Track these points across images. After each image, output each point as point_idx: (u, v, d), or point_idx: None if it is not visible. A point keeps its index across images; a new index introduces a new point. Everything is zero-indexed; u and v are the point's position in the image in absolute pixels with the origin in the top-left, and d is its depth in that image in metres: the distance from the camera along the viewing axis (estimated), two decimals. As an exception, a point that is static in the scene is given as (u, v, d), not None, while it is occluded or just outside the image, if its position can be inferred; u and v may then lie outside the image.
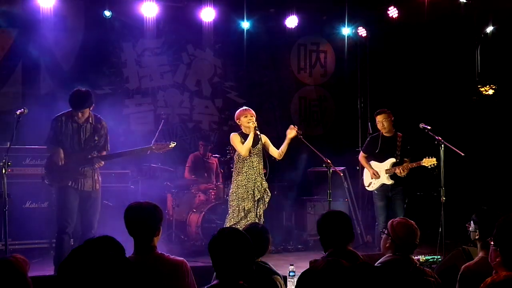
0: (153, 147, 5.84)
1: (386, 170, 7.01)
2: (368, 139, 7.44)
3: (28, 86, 8.47)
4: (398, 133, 7.13)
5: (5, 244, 5.60)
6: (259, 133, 6.26)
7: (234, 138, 6.32)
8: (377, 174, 7.05)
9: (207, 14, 8.88)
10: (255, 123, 6.25)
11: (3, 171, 5.31)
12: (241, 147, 6.22)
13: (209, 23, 9.01)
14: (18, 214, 6.53)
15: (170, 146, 5.87)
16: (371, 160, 7.17)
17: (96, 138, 5.74)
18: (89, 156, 5.68)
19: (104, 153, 5.87)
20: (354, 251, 3.36)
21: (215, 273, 3.35)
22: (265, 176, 6.38)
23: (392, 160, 7.01)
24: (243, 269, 2.72)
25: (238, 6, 9.24)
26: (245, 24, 9.50)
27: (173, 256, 3.35)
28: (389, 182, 7.00)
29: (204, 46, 9.71)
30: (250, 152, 6.23)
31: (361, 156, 7.29)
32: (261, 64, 10.20)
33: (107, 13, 8.57)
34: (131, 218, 3.32)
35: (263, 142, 6.38)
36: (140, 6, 8.56)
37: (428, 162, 6.77)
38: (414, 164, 6.91)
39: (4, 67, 8.36)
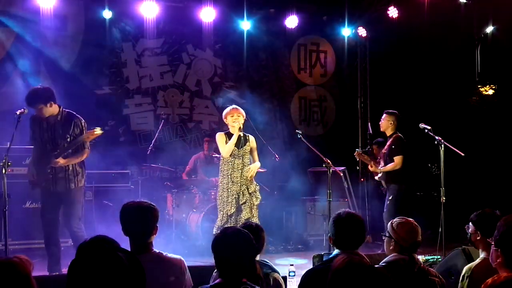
0: (84, 136, 5.52)
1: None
2: None
3: (28, 86, 8.46)
4: (396, 134, 7.20)
5: (5, 244, 5.58)
6: (241, 134, 6.10)
7: (219, 138, 6.17)
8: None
9: (207, 14, 8.88)
10: (241, 124, 6.07)
11: (3, 171, 5.29)
12: (223, 147, 6.08)
13: (209, 23, 9.01)
14: (18, 214, 6.53)
15: (95, 132, 5.46)
16: None
17: (66, 136, 5.54)
18: (53, 154, 5.51)
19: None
20: (361, 254, 3.34)
21: (214, 273, 3.36)
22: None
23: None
24: (246, 268, 2.74)
25: (238, 6, 9.24)
26: (245, 24, 9.50)
27: (170, 254, 3.35)
28: (376, 177, 7.30)
29: (204, 46, 9.71)
30: (233, 154, 6.07)
31: None
32: (261, 64, 10.20)
33: (107, 15, 8.58)
34: (127, 218, 3.31)
35: (250, 145, 6.21)
36: (140, 6, 8.55)
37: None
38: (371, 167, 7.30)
39: (4, 67, 8.36)
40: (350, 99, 10.72)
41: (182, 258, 3.35)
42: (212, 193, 8.22)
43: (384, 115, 7.30)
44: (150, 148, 7.99)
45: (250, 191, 6.10)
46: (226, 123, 6.22)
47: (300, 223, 8.74)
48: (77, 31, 8.79)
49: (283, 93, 10.48)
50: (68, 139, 5.55)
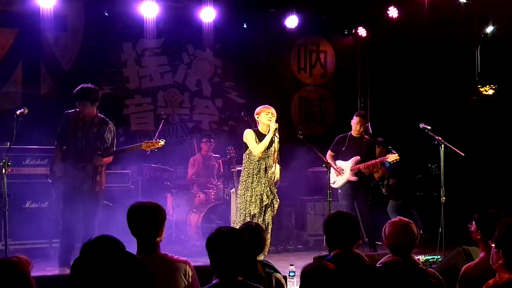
0: (143, 145, 5.75)
1: (351, 167, 7.25)
2: (337, 138, 7.58)
3: (28, 86, 8.47)
4: (365, 136, 7.43)
5: (5, 244, 5.59)
6: (277, 135, 5.91)
7: (249, 135, 5.95)
8: (342, 172, 7.28)
9: (207, 14, 8.87)
10: (277, 124, 5.91)
11: (3, 171, 5.30)
12: (255, 146, 5.88)
13: (209, 23, 9.00)
14: (18, 214, 6.53)
15: (159, 143, 5.76)
16: (337, 159, 7.40)
17: (99, 139, 5.72)
18: (88, 154, 5.65)
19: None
20: (360, 253, 3.35)
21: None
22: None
23: (357, 158, 7.26)
24: (240, 267, 2.76)
25: (238, 6, 9.23)
26: (245, 24, 9.50)
27: (176, 256, 3.35)
28: (354, 178, 7.23)
29: (204, 46, 9.71)
30: (262, 153, 5.90)
31: (329, 154, 7.44)
32: (261, 64, 10.20)
33: (107, 15, 8.61)
34: (134, 218, 3.33)
35: (276, 146, 6.01)
36: (140, 6, 8.55)
37: (392, 158, 7.09)
38: (378, 161, 7.28)
39: (4, 67, 8.36)
40: (350, 99, 10.72)
41: (189, 261, 3.36)
42: (212, 193, 8.23)
43: (361, 118, 7.36)
44: (150, 148, 7.99)
45: (273, 192, 5.97)
46: (258, 119, 6.04)
47: (300, 223, 8.75)
48: (77, 31, 8.79)
49: (283, 93, 10.48)
50: (99, 143, 5.71)
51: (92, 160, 5.65)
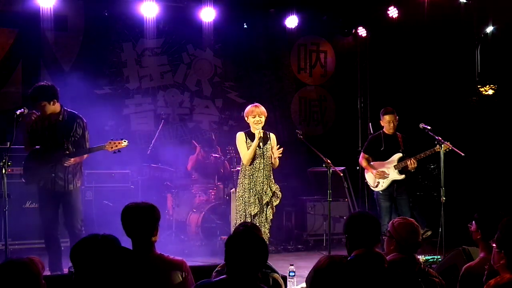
0: (107, 145, 5.57)
1: (394, 166, 6.93)
2: (369, 139, 7.32)
3: (28, 86, 8.42)
4: (397, 132, 7.10)
5: (5, 244, 5.59)
6: (261, 144, 5.83)
7: (240, 139, 5.94)
8: (383, 173, 6.94)
9: (207, 14, 8.88)
10: (261, 132, 5.83)
11: (3, 171, 5.29)
12: (245, 153, 5.86)
13: (209, 23, 9.00)
14: (18, 214, 6.52)
15: (122, 144, 5.57)
16: (372, 161, 7.10)
17: (68, 135, 5.56)
18: (57, 154, 5.52)
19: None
20: (382, 253, 3.34)
21: (214, 272, 3.38)
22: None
23: (399, 155, 6.95)
24: (253, 270, 2.78)
25: (238, 6, 9.24)
26: (245, 24, 9.51)
27: (172, 256, 3.36)
28: (401, 177, 6.90)
29: (204, 46, 9.71)
30: (255, 155, 5.84)
31: (363, 157, 7.16)
32: (261, 64, 10.20)
33: (107, 15, 8.62)
34: (128, 219, 3.33)
35: (272, 144, 5.99)
36: (140, 6, 8.55)
37: (444, 147, 6.64)
38: (428, 152, 6.82)
39: (4, 67, 8.36)
40: (350, 99, 10.73)
41: (184, 260, 3.36)
42: (212, 193, 8.23)
43: (391, 115, 6.96)
44: (150, 148, 8.00)
45: (272, 190, 5.90)
46: (247, 122, 6.01)
47: (300, 223, 8.75)
48: (77, 31, 8.79)
49: (283, 93, 10.49)
50: (72, 139, 5.56)
51: (61, 162, 5.50)
